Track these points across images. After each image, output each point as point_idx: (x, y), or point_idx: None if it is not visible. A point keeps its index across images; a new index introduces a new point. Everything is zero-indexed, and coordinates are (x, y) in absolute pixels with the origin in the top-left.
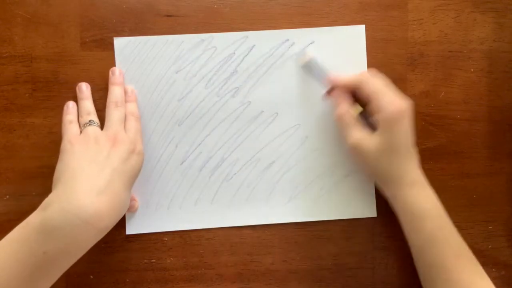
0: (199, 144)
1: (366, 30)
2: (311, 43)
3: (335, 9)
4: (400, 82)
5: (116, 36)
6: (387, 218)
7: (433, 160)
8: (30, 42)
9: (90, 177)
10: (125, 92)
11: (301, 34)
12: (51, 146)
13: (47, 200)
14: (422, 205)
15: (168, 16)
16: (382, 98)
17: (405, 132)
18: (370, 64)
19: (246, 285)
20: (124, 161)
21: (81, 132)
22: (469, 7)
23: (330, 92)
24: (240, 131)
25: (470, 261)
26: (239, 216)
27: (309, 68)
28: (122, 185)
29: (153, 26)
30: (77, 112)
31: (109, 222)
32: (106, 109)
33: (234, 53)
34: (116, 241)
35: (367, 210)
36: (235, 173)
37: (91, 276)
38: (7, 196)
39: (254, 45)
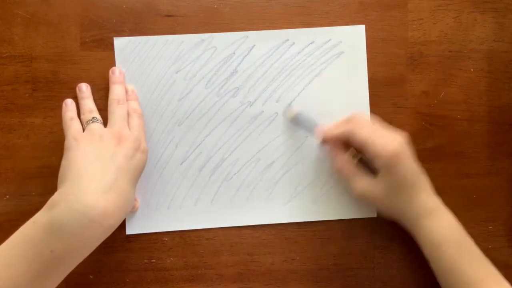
0: (199, 144)
1: (366, 30)
2: (311, 43)
3: (335, 9)
4: (400, 82)
5: (116, 36)
6: None
7: (433, 160)
8: (30, 42)
9: (96, 175)
10: (126, 92)
11: (301, 34)
12: (51, 146)
13: (53, 199)
14: (441, 232)
15: (168, 16)
16: (375, 146)
17: (408, 169)
18: (370, 64)
19: (246, 285)
20: (129, 159)
21: (84, 129)
22: (469, 7)
23: (323, 143)
24: (240, 131)
25: (496, 283)
26: (239, 216)
27: (297, 122)
28: (127, 183)
29: (153, 26)
30: (76, 110)
31: (116, 220)
32: (109, 107)
33: (234, 53)
34: (116, 241)
35: (367, 210)
36: (235, 173)
37: (91, 276)
38: (7, 196)
39: (254, 45)
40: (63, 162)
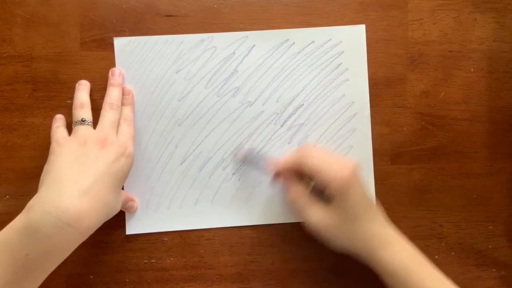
0: (199, 144)
1: (366, 30)
2: (311, 43)
3: (335, 9)
4: (400, 82)
5: (116, 36)
6: None
7: (433, 160)
8: (30, 42)
9: (74, 179)
10: (123, 93)
11: (301, 34)
12: None
13: (30, 202)
14: (402, 262)
15: (168, 16)
16: (325, 173)
17: (360, 196)
18: (370, 64)
19: (246, 285)
20: (110, 163)
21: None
22: (469, 7)
23: (276, 177)
24: (240, 131)
25: None
26: (239, 216)
27: (249, 161)
28: (107, 187)
29: (153, 26)
30: (65, 122)
31: (91, 224)
32: (102, 110)
33: (234, 53)
34: (116, 241)
35: None
36: (235, 173)
37: (91, 276)
38: (7, 196)
39: (254, 45)
40: (45, 166)
